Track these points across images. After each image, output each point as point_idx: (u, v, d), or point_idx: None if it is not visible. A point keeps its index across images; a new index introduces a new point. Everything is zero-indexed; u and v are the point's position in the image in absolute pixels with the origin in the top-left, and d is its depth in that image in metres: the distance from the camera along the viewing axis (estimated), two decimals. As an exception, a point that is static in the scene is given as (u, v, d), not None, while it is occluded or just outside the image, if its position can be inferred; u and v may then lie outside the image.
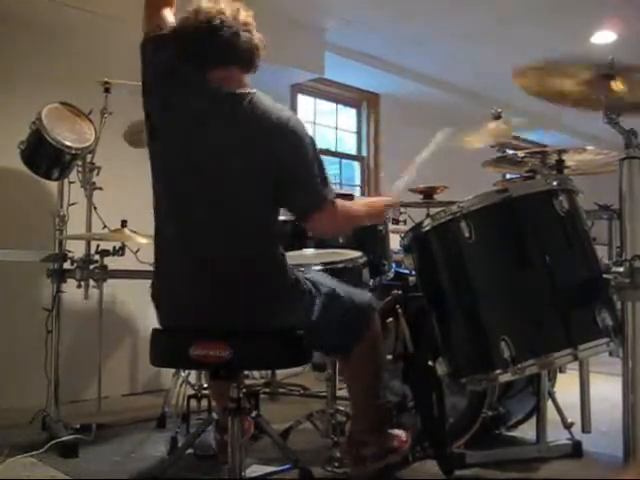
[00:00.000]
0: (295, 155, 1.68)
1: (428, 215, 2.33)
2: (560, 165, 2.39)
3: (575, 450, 2.31)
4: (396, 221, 3.77)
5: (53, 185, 2.88)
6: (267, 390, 3.39)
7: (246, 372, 2.16)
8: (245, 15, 1.71)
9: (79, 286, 2.68)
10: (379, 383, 1.98)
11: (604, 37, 4.51)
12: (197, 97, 1.70)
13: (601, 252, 1.89)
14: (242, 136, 1.66)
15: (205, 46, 1.68)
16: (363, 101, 5.57)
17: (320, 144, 5.34)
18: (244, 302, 1.65)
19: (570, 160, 2.41)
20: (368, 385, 1.97)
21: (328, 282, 1.85)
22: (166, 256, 1.75)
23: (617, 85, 1.80)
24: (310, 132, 1.75)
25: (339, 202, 1.75)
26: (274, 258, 1.72)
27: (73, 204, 2.79)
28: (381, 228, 2.61)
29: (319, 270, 2.08)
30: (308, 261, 2.19)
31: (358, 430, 1.97)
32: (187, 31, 1.69)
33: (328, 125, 5.43)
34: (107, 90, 2.86)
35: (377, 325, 1.95)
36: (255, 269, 1.67)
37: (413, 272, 2.15)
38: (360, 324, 1.87)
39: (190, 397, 2.66)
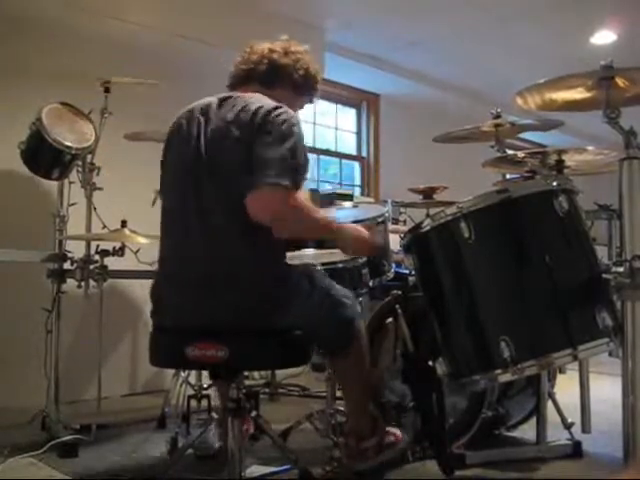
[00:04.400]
0: (266, 137, 1.66)
1: (428, 215, 2.33)
2: (560, 165, 2.39)
3: (575, 450, 2.32)
4: (396, 221, 3.78)
5: (53, 185, 2.88)
6: (267, 390, 3.39)
7: (245, 372, 2.16)
8: (286, 48, 1.92)
9: (79, 286, 2.68)
10: (372, 381, 2.05)
11: (604, 37, 4.51)
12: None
13: (601, 252, 1.89)
14: (233, 129, 1.70)
15: (233, 73, 1.93)
16: (363, 101, 5.57)
17: (320, 144, 5.34)
18: (243, 302, 1.65)
19: (570, 160, 2.41)
20: (364, 383, 2.00)
21: (322, 277, 1.87)
22: (170, 257, 1.77)
23: (620, 82, 1.80)
24: (301, 128, 1.74)
25: (299, 198, 1.67)
26: (274, 258, 1.73)
27: (73, 204, 2.79)
28: (381, 229, 2.60)
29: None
30: (308, 262, 2.19)
31: (357, 426, 2.03)
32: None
33: (328, 125, 5.43)
34: (107, 90, 2.86)
35: (362, 333, 1.95)
36: (255, 269, 1.68)
37: (413, 272, 2.15)
38: (349, 329, 1.89)
39: (190, 397, 2.66)
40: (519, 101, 1.98)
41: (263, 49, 1.92)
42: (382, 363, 2.40)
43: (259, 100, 1.75)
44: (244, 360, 1.69)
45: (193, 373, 2.81)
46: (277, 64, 1.90)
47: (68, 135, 2.60)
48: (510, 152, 2.56)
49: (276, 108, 1.71)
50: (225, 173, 1.69)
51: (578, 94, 1.91)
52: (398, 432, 2.07)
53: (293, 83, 1.93)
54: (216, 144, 1.71)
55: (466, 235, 1.72)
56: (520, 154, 2.47)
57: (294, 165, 1.66)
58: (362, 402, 2.04)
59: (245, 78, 1.91)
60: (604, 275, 1.68)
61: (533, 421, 2.39)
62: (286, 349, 1.73)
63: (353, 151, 5.60)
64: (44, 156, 2.62)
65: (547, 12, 4.10)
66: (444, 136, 2.77)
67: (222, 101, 1.80)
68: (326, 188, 4.96)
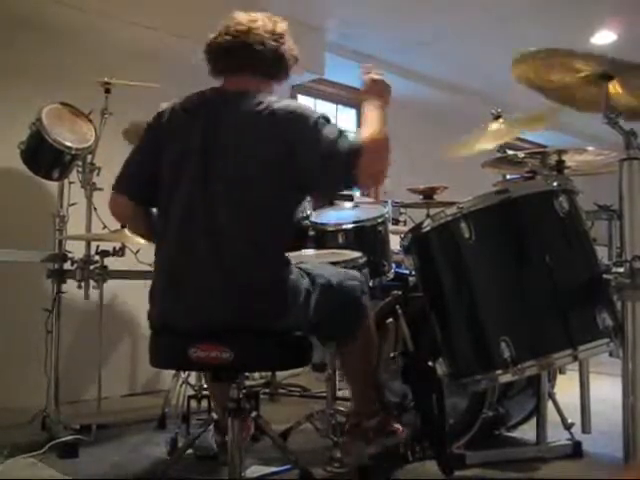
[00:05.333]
0: (305, 137, 1.71)
1: (428, 216, 2.33)
2: (560, 166, 2.39)
3: (575, 450, 2.31)
4: (396, 221, 3.78)
5: (53, 185, 2.88)
6: (267, 391, 3.39)
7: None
8: (273, 26, 1.88)
9: (79, 286, 2.68)
10: (376, 366, 2.11)
11: (604, 37, 4.52)
12: (206, 105, 1.78)
13: (601, 252, 1.89)
14: (252, 133, 1.70)
15: (220, 57, 1.84)
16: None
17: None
18: (243, 303, 1.64)
19: (570, 161, 2.41)
20: (367, 369, 2.05)
21: (322, 271, 1.87)
22: (170, 257, 1.75)
23: (615, 88, 1.80)
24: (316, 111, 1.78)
25: (366, 142, 1.79)
26: (274, 258, 1.72)
27: (73, 204, 2.79)
28: (381, 229, 2.61)
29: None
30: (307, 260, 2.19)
31: (358, 406, 2.10)
32: (209, 48, 1.86)
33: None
34: (107, 90, 2.86)
35: (368, 311, 2.00)
36: (256, 269, 1.67)
37: (413, 272, 2.15)
38: (356, 310, 1.92)
39: (190, 398, 2.66)
40: (515, 68, 1.96)
41: (251, 32, 1.82)
42: (382, 363, 2.40)
43: (277, 100, 1.77)
44: (247, 361, 1.68)
45: (193, 374, 2.81)
46: (276, 54, 1.86)
47: (68, 135, 2.60)
48: (510, 152, 2.56)
49: (291, 112, 1.73)
50: (234, 175, 1.68)
51: (576, 82, 1.87)
52: (400, 427, 2.10)
53: (286, 71, 1.94)
54: (226, 146, 1.70)
55: (466, 235, 1.72)
56: (520, 154, 2.46)
57: (337, 131, 1.77)
58: (365, 386, 2.08)
59: (236, 65, 1.84)
60: (604, 275, 1.68)
61: (533, 421, 2.39)
62: (289, 350, 1.73)
63: (353, 151, 5.59)
64: (44, 156, 2.63)
65: (547, 12, 4.10)
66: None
67: (227, 97, 1.78)
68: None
